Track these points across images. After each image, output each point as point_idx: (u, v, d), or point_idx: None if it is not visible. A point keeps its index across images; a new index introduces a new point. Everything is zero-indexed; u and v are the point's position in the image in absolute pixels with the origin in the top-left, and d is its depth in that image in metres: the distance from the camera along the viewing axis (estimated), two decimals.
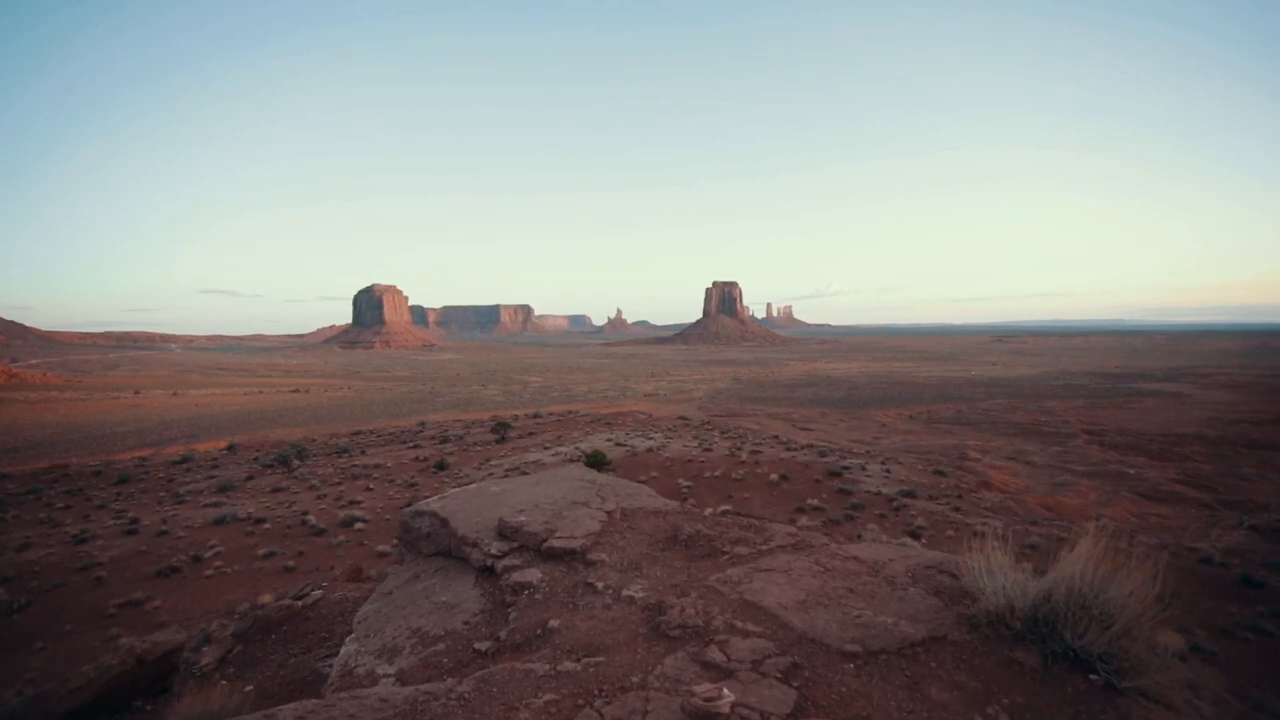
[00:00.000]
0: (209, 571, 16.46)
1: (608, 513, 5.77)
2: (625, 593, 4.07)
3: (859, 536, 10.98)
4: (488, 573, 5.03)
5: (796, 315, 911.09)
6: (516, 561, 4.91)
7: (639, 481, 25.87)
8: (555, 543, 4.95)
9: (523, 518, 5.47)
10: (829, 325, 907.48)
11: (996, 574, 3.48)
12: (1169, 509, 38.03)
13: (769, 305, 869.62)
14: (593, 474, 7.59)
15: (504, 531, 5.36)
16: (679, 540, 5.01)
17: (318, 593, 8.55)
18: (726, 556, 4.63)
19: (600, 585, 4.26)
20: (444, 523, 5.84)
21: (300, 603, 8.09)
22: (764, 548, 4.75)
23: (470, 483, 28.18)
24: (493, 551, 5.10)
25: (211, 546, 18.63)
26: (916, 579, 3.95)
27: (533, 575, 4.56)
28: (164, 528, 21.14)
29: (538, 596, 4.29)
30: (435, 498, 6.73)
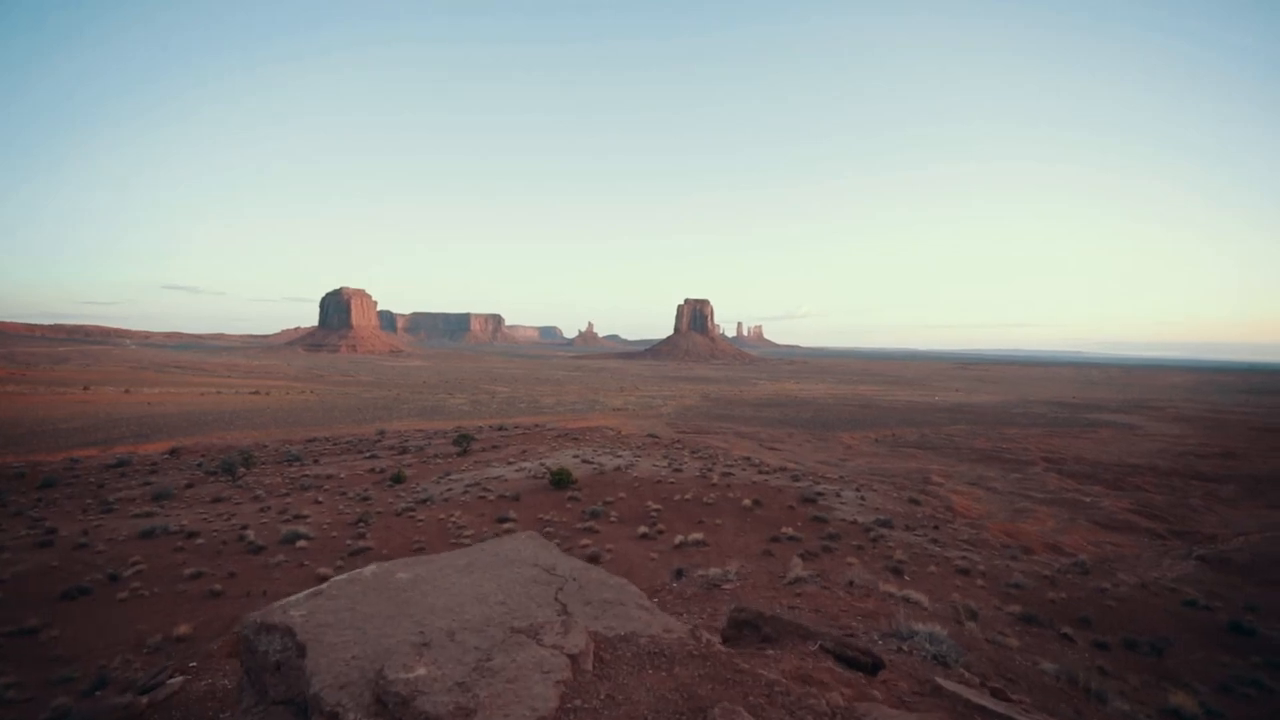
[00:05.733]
0: (124, 594, 14.84)
1: (571, 657, 3.54)
2: None
3: (851, 583, 10.27)
4: None
5: (766, 335, 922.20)
6: None
7: (605, 503, 24.80)
8: None
9: (422, 670, 3.25)
10: (798, 346, 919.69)
11: None
12: (1123, 538, 38.82)
13: (740, 324, 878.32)
14: (552, 553, 5.38)
15: (385, 699, 3.05)
16: None
17: (177, 680, 6.49)
18: None
19: None
20: (300, 651, 3.56)
21: (146, 699, 5.92)
22: None
23: (426, 496, 26.68)
24: None
25: (133, 563, 16.98)
26: None
27: None
28: (84, 540, 19.35)
29: None
30: (302, 596, 4.38)
